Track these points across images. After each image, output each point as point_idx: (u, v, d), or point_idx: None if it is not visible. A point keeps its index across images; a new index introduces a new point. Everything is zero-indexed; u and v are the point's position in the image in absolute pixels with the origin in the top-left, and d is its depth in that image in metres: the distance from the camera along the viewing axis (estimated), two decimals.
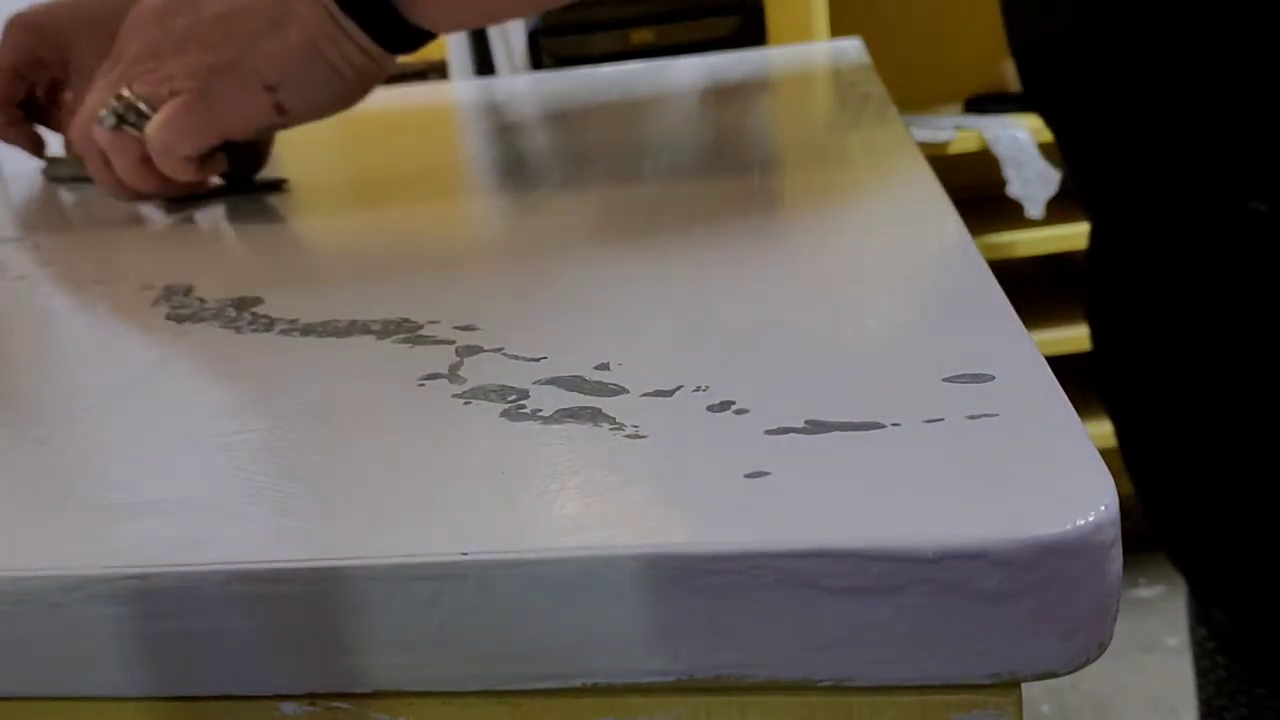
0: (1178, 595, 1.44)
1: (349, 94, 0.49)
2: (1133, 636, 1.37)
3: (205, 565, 0.19)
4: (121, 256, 0.46)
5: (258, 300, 0.35)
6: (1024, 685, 0.19)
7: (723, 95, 0.77)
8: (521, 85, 1.01)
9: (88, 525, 0.21)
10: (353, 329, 0.31)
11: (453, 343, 0.29)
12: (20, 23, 0.63)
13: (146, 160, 0.49)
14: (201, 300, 0.36)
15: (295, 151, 0.75)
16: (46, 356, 0.34)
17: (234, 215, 0.52)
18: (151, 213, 0.55)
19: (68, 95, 0.65)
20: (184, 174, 0.49)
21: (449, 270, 0.38)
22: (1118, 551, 0.18)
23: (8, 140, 0.68)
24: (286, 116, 0.48)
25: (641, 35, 1.50)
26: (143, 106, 0.48)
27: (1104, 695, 1.30)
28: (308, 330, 0.32)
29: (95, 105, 0.50)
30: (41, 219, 0.59)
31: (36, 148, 0.69)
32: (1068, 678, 0.19)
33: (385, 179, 0.61)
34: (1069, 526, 0.17)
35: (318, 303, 0.34)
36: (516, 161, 0.63)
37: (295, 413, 0.26)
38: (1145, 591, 1.46)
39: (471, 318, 0.31)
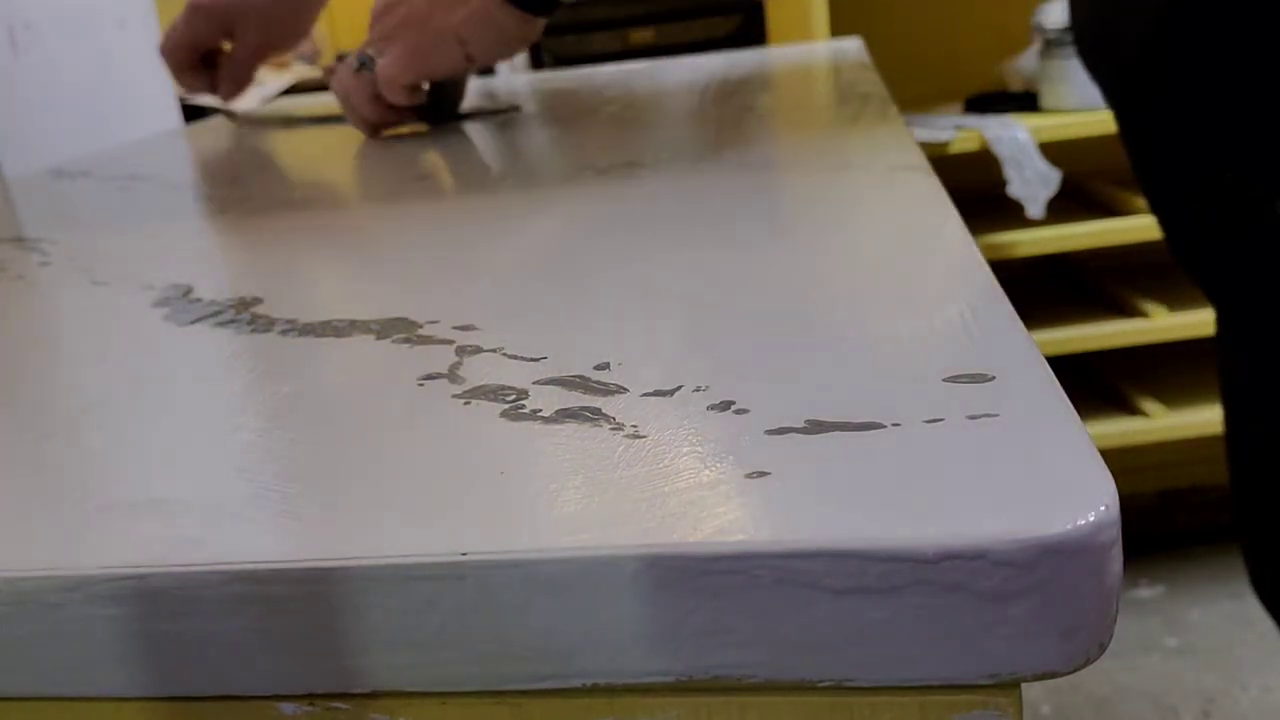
0: (1178, 595, 1.44)
1: (515, 45, 0.70)
2: (1133, 636, 1.37)
3: (205, 565, 0.19)
4: (122, 257, 0.46)
5: (258, 300, 0.35)
6: (1024, 685, 0.19)
7: (723, 95, 0.77)
8: (521, 84, 1.01)
9: (88, 525, 0.21)
10: (353, 329, 0.31)
11: (452, 343, 0.29)
12: (198, 7, 0.80)
13: (377, 95, 0.70)
14: (201, 300, 0.36)
15: (296, 151, 0.75)
16: (46, 357, 0.34)
17: (234, 215, 0.52)
18: (152, 213, 0.55)
19: (227, 61, 0.82)
20: (399, 98, 0.69)
21: (449, 270, 0.38)
22: (1118, 551, 0.18)
23: (187, 86, 0.83)
24: (473, 61, 0.69)
25: (641, 35, 1.50)
26: (375, 55, 0.69)
27: (1104, 695, 1.30)
28: (307, 330, 0.32)
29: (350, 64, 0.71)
30: (42, 219, 0.59)
31: (213, 90, 0.83)
32: (1068, 678, 0.19)
33: (385, 179, 0.61)
34: (1069, 526, 0.17)
35: (318, 303, 0.34)
36: (516, 161, 0.63)
37: (295, 413, 0.26)
38: (1145, 591, 1.46)
39: (471, 318, 0.31)
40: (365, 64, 0.71)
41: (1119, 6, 0.58)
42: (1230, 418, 0.67)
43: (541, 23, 0.70)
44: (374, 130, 0.74)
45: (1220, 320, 0.66)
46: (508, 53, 0.72)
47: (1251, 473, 0.64)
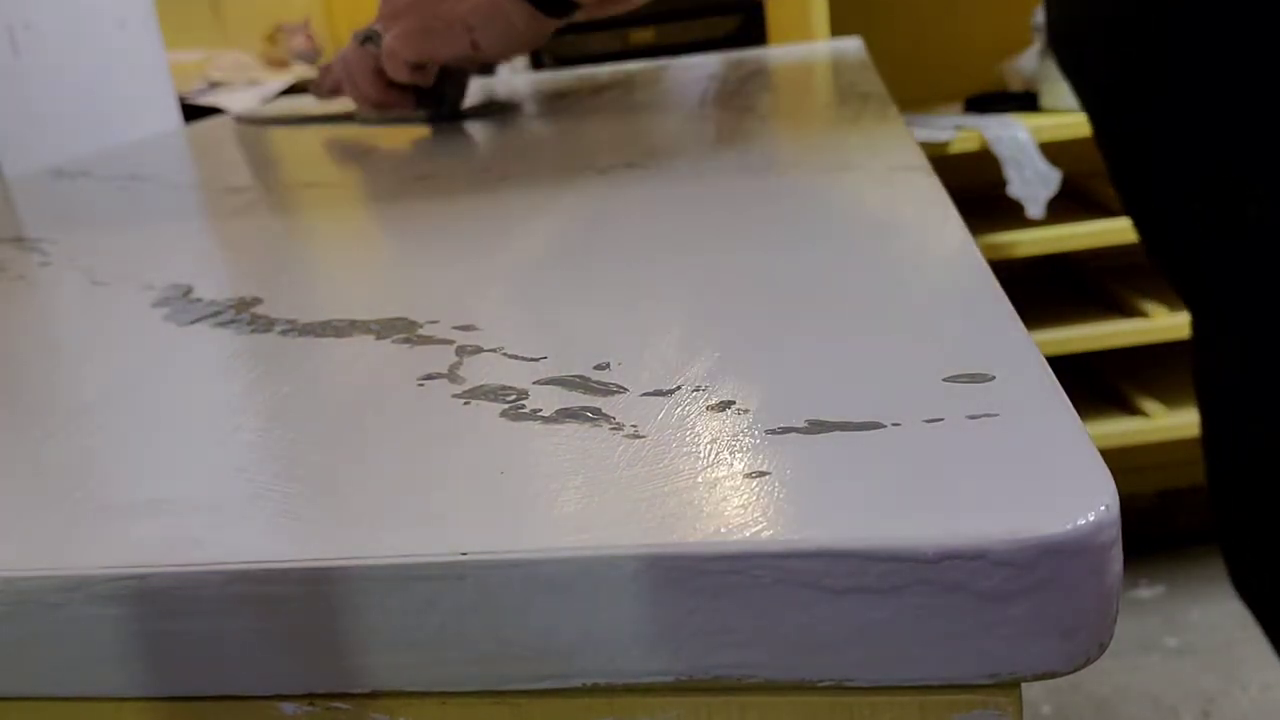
0: (1178, 595, 1.44)
1: (523, 42, 0.70)
2: (1133, 636, 1.37)
3: (205, 565, 0.19)
4: (122, 257, 0.46)
5: (257, 300, 0.35)
6: (1024, 685, 0.19)
7: (723, 95, 0.77)
8: (521, 84, 1.01)
9: (88, 525, 0.21)
10: (352, 329, 0.31)
11: (452, 343, 0.29)
12: None
13: (379, 70, 0.72)
14: (201, 300, 0.36)
15: (296, 151, 0.75)
16: (46, 357, 0.34)
17: (234, 215, 0.52)
18: (152, 213, 0.55)
19: None
20: (401, 75, 0.71)
21: (449, 270, 0.38)
22: (1118, 551, 0.18)
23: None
24: (479, 51, 0.70)
25: (641, 35, 1.50)
26: (382, 32, 0.71)
27: (1104, 695, 1.30)
28: (307, 330, 0.32)
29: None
30: (42, 219, 0.59)
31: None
32: (1068, 678, 0.19)
33: (385, 179, 0.61)
34: (1069, 526, 0.17)
35: (317, 303, 0.34)
36: (516, 161, 0.63)
37: (295, 413, 0.26)
38: (1145, 591, 1.46)
39: (471, 318, 0.31)
40: (371, 38, 0.73)
41: (1107, 9, 0.58)
42: (1214, 418, 0.67)
43: (553, 25, 0.69)
44: (373, 108, 0.74)
45: (1206, 321, 0.66)
46: (515, 49, 0.72)
47: (1245, 472, 0.64)
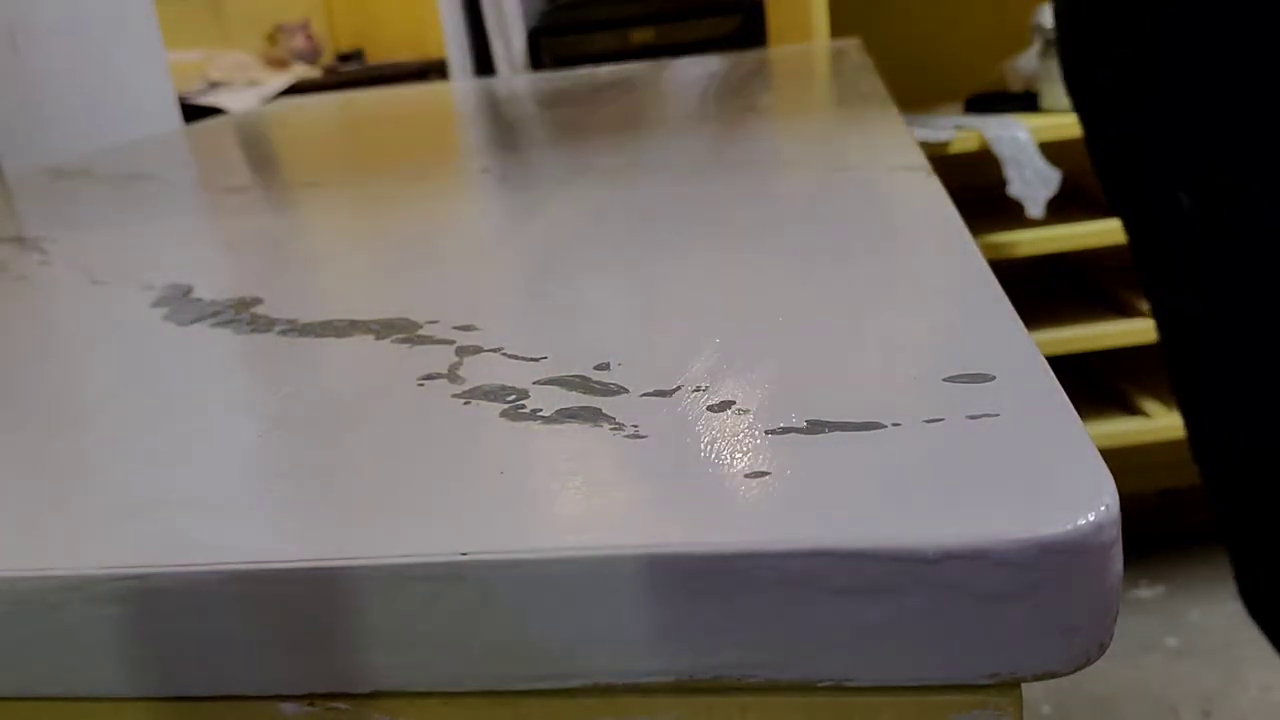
0: (1178, 595, 1.44)
1: None
2: (1133, 636, 1.37)
3: (205, 565, 0.19)
4: (122, 257, 0.46)
5: (258, 300, 0.35)
6: (1024, 685, 0.19)
7: (723, 95, 0.77)
8: (521, 84, 1.01)
9: (88, 525, 0.21)
10: (353, 329, 0.31)
11: (452, 343, 0.29)
12: None
13: None
14: (201, 300, 0.36)
15: (296, 151, 0.75)
16: (47, 357, 0.34)
17: (234, 214, 0.52)
18: (152, 213, 0.55)
19: None
20: None
21: (449, 270, 0.38)
22: (1118, 551, 0.18)
23: None
24: None
25: (641, 35, 1.50)
26: None
27: (1104, 695, 1.30)
28: (307, 330, 0.32)
29: None
30: (42, 219, 0.59)
31: None
32: (1068, 678, 0.19)
33: (385, 179, 0.61)
34: (1069, 526, 0.17)
35: (317, 303, 0.34)
36: (516, 161, 0.63)
37: (295, 413, 0.26)
38: (1145, 591, 1.46)
39: (471, 318, 0.31)
40: None
41: (1105, 9, 0.58)
42: (1209, 420, 0.67)
43: None
44: None
45: (1194, 325, 0.65)
46: None
47: (1241, 474, 0.64)
